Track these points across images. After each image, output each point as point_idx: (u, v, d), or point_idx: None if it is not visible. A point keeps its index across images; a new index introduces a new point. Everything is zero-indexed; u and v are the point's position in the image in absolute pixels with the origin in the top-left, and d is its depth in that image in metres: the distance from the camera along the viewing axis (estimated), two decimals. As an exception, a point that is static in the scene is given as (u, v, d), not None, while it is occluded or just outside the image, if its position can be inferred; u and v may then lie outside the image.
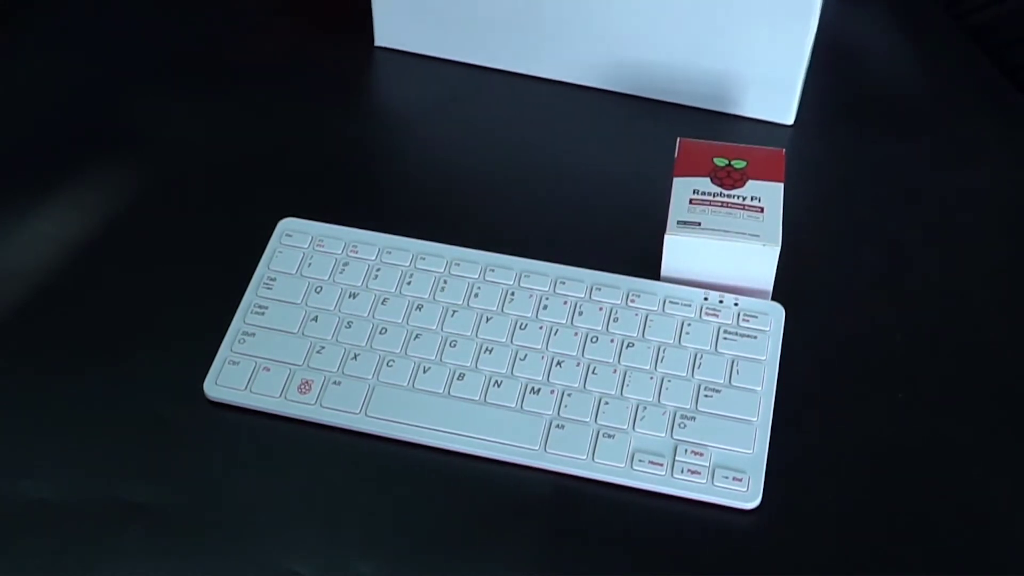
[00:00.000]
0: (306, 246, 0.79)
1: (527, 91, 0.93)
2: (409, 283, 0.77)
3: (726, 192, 0.76)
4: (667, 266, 0.76)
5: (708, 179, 0.77)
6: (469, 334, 0.75)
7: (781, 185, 0.76)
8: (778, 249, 0.74)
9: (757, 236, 0.74)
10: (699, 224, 0.74)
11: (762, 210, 0.75)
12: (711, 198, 0.76)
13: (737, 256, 0.74)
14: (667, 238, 0.75)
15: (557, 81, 0.93)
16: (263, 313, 0.76)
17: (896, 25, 1.00)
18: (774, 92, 0.89)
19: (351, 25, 0.98)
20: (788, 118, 0.91)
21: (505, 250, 0.79)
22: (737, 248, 0.74)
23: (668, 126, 0.89)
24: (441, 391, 0.72)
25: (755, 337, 0.74)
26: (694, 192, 0.76)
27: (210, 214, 0.84)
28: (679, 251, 0.75)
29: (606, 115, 0.90)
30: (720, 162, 0.78)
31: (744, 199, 0.76)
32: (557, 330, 0.75)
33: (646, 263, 0.77)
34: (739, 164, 0.77)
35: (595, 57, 0.91)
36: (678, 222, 0.75)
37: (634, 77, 0.91)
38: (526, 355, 0.74)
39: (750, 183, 0.76)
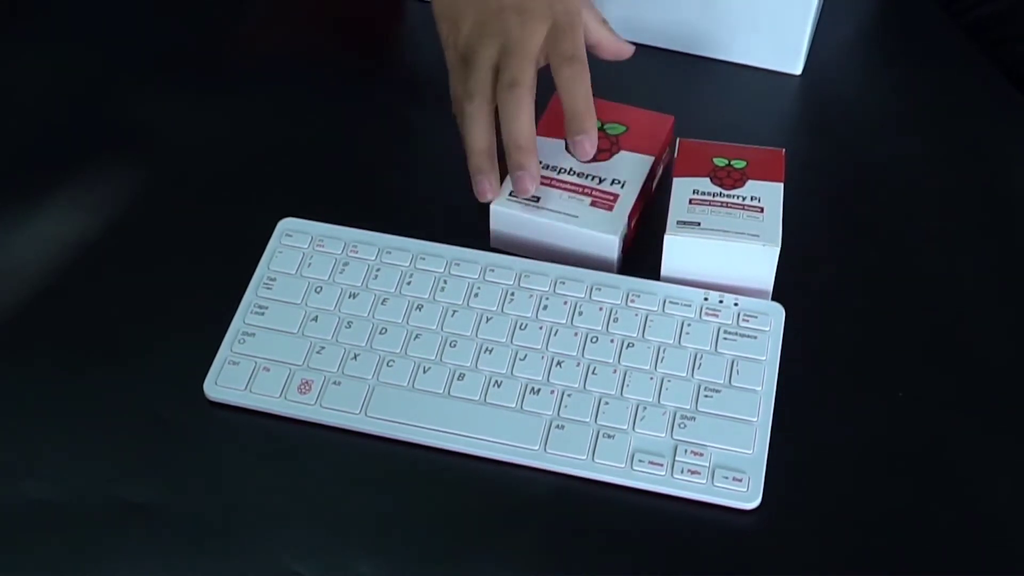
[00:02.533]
0: (306, 246, 0.79)
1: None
2: (409, 283, 0.77)
3: (726, 192, 0.76)
4: (667, 266, 0.76)
5: (708, 179, 0.77)
6: (469, 334, 0.75)
7: (781, 185, 0.76)
8: (778, 249, 0.74)
9: (757, 236, 0.74)
10: (699, 224, 0.75)
11: (762, 210, 0.75)
12: (711, 198, 0.76)
13: (737, 256, 0.74)
14: (667, 238, 0.75)
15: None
16: (263, 313, 0.76)
17: (893, 22, 1.00)
18: (782, 39, 0.90)
19: (352, 25, 0.98)
20: (796, 68, 0.91)
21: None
22: (737, 248, 0.74)
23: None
24: (441, 391, 0.72)
25: (755, 337, 0.74)
26: (694, 192, 0.76)
27: (210, 214, 0.84)
28: (679, 251, 0.75)
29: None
30: (720, 162, 0.78)
31: (744, 199, 0.76)
32: (557, 330, 0.75)
33: (645, 262, 0.78)
34: (739, 164, 0.77)
35: (604, 7, 0.91)
36: (678, 222, 0.75)
37: (640, 24, 0.92)
38: (526, 355, 0.74)
39: (750, 183, 0.77)
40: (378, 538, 0.68)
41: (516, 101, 0.77)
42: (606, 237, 0.76)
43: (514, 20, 0.79)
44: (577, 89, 0.78)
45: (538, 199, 0.77)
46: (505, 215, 0.78)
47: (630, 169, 0.79)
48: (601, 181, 0.78)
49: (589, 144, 0.78)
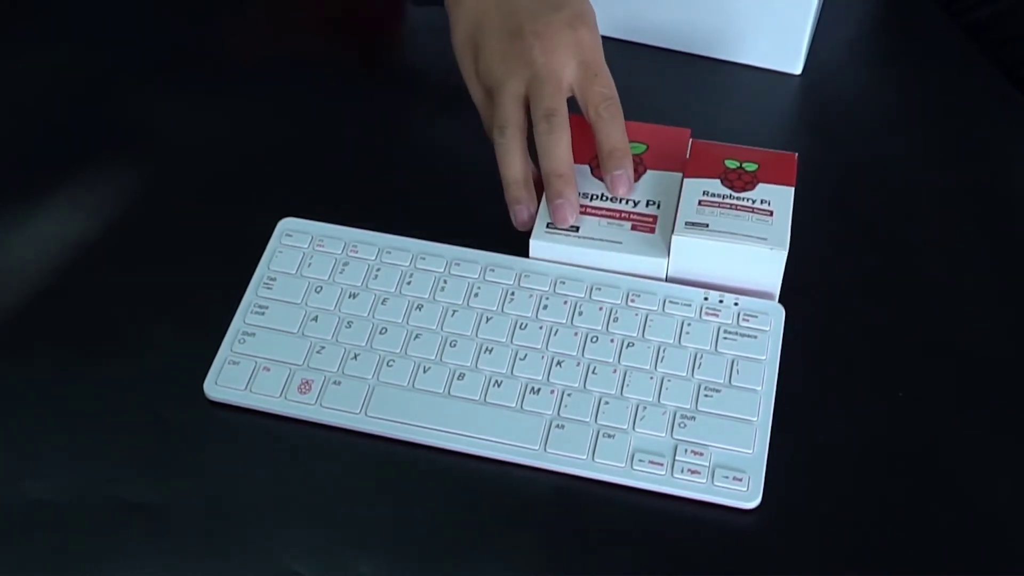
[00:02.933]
0: (306, 246, 0.79)
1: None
2: (409, 283, 0.77)
3: (736, 194, 0.76)
4: (674, 267, 0.76)
5: (719, 181, 0.77)
6: (469, 334, 0.75)
7: (792, 189, 0.76)
8: (785, 253, 0.74)
9: (765, 239, 0.74)
10: (707, 226, 0.74)
11: (771, 213, 0.75)
12: (720, 200, 0.76)
13: (744, 259, 0.74)
14: (674, 239, 0.75)
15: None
16: (263, 313, 0.76)
17: (893, 22, 1.00)
18: (782, 39, 0.90)
19: (353, 25, 0.98)
20: (796, 67, 0.91)
21: (505, 250, 0.79)
22: (744, 251, 0.74)
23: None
24: (441, 391, 0.72)
25: (755, 337, 0.74)
26: (704, 194, 0.76)
27: (210, 214, 0.84)
28: (686, 252, 0.75)
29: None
30: (731, 164, 0.77)
31: (754, 202, 0.75)
32: (557, 330, 0.75)
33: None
34: (750, 167, 0.77)
35: (605, 6, 0.91)
36: (686, 223, 0.75)
37: (641, 24, 0.92)
38: (526, 355, 0.74)
39: (760, 186, 0.76)
40: (378, 538, 0.68)
41: (554, 131, 0.77)
42: (656, 261, 0.76)
43: (537, 49, 0.78)
44: (615, 128, 0.78)
45: (576, 228, 0.77)
46: (545, 248, 0.77)
47: (661, 188, 0.78)
48: (636, 204, 0.78)
49: (627, 180, 0.78)
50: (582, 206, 0.77)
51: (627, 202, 0.78)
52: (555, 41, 0.79)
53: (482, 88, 0.81)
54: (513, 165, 0.78)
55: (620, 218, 0.77)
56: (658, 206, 0.77)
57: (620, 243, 0.76)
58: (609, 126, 0.78)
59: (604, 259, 0.76)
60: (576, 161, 0.78)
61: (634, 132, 0.80)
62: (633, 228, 0.77)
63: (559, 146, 0.77)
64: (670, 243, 0.75)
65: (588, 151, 0.79)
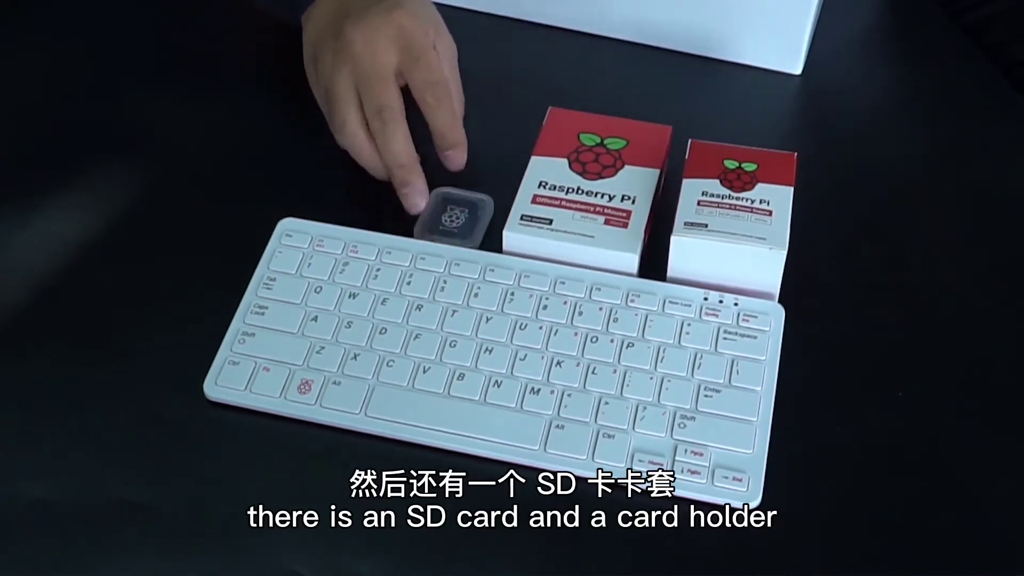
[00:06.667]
0: (306, 246, 0.79)
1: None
2: (409, 283, 0.77)
3: (735, 195, 0.76)
4: (673, 267, 0.76)
5: (718, 181, 0.77)
6: (469, 334, 0.75)
7: (791, 189, 0.76)
8: (784, 252, 0.74)
9: (764, 239, 0.74)
10: (706, 226, 0.74)
11: (770, 213, 0.75)
12: (719, 200, 0.76)
13: (743, 259, 0.74)
14: (674, 239, 0.75)
15: (565, 29, 0.95)
16: (263, 313, 0.76)
17: (893, 22, 1.00)
18: (782, 39, 0.90)
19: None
20: (796, 67, 0.91)
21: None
22: (743, 251, 0.74)
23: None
24: (441, 391, 0.72)
25: (755, 337, 0.74)
26: (703, 194, 0.76)
27: (210, 214, 0.84)
28: (686, 252, 0.75)
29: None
30: (730, 164, 0.78)
31: (753, 202, 0.75)
32: (557, 330, 0.75)
33: (652, 263, 0.78)
34: (749, 167, 0.77)
35: (605, 6, 0.92)
36: (685, 223, 0.75)
37: (640, 24, 0.93)
38: (526, 355, 0.74)
39: (760, 186, 0.76)
40: (378, 538, 0.68)
41: (387, 125, 0.79)
42: (626, 256, 0.76)
43: (358, 43, 0.81)
44: (441, 113, 0.81)
45: (551, 221, 0.77)
46: (519, 240, 0.77)
47: (638, 184, 0.79)
48: (611, 198, 0.78)
49: (461, 155, 0.81)
50: (557, 199, 0.78)
51: (602, 196, 0.78)
52: (373, 31, 0.81)
53: (323, 92, 0.83)
54: (364, 159, 0.81)
55: (594, 212, 0.77)
56: (633, 201, 0.78)
57: (592, 237, 0.77)
58: (435, 112, 0.81)
59: (576, 252, 0.77)
60: (552, 154, 0.79)
61: (616, 128, 0.81)
62: (606, 223, 0.77)
63: (395, 139, 0.79)
64: (640, 241, 0.76)
65: (566, 144, 0.80)
